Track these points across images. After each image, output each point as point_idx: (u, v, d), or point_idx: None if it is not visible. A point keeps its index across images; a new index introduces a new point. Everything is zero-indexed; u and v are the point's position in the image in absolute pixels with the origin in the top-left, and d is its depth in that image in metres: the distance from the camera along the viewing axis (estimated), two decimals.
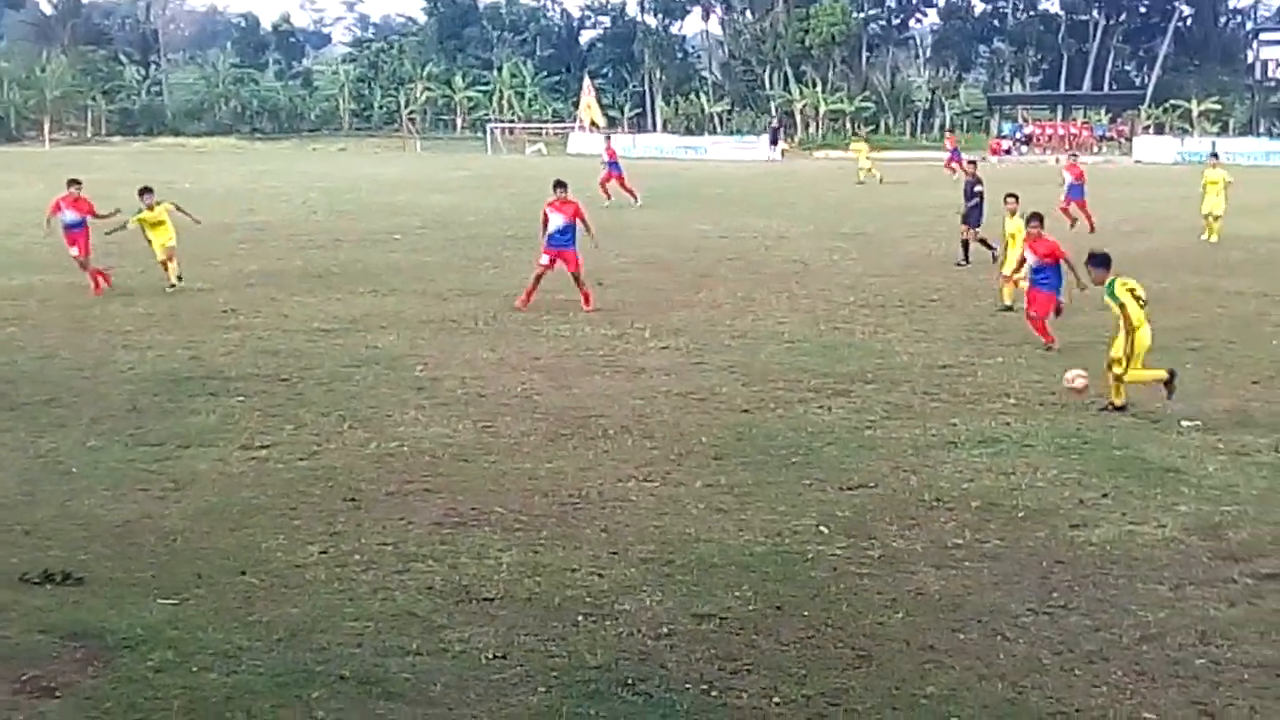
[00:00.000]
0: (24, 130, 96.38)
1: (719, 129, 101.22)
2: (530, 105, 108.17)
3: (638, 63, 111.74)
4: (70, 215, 22.46)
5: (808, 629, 8.29)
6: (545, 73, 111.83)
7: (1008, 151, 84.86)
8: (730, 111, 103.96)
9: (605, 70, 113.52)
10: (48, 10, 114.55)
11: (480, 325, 19.30)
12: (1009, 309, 20.24)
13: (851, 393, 14.95)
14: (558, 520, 10.46)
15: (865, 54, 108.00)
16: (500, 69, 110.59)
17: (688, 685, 7.51)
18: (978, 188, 26.91)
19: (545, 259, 20.64)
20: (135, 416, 13.74)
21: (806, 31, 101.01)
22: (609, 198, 41.00)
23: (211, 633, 8.11)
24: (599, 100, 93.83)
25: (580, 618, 8.44)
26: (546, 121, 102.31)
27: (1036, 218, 17.72)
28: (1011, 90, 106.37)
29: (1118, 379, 13.99)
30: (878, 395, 14.83)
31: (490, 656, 7.84)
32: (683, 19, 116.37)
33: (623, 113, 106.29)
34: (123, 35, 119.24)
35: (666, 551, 9.70)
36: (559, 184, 21.17)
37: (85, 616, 8.32)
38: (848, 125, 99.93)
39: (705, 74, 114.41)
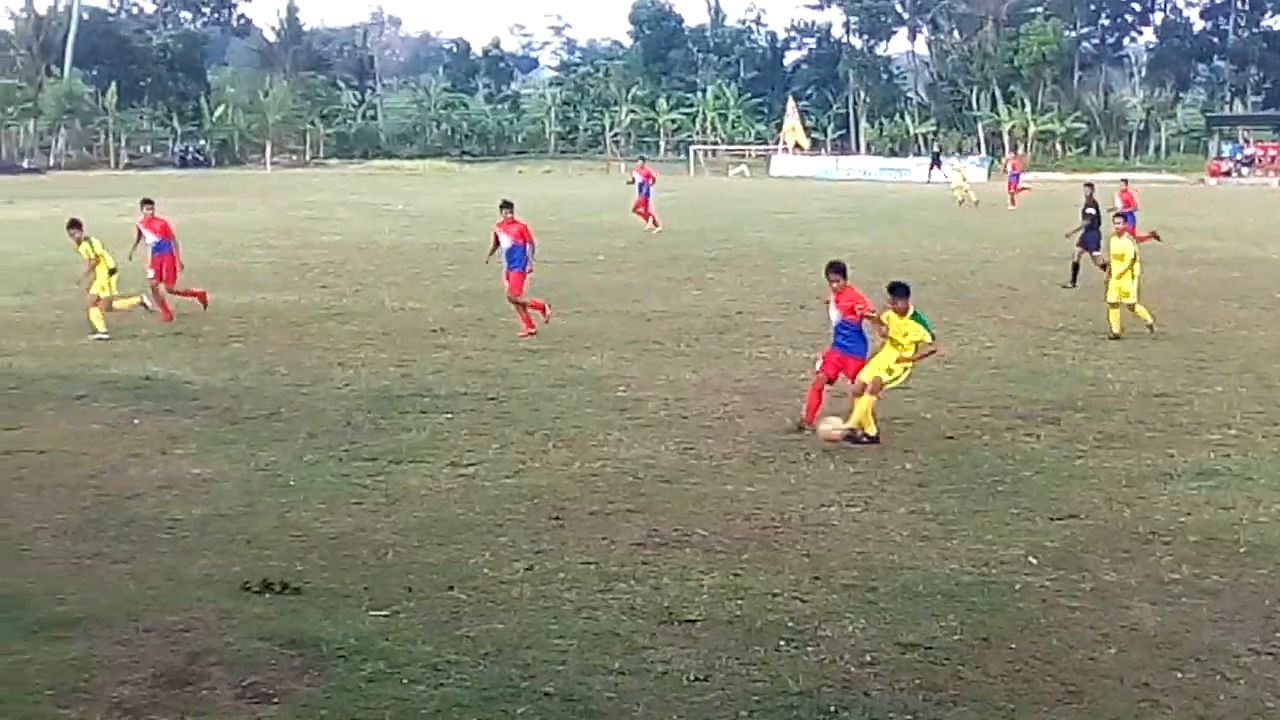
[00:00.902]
0: (247, 153, 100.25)
1: (924, 151, 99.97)
2: (733, 127, 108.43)
3: (842, 84, 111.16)
4: (150, 237, 21.95)
5: (1016, 662, 8.11)
6: (749, 95, 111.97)
7: (1227, 174, 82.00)
8: (936, 133, 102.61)
9: (809, 92, 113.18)
10: (271, 38, 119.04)
11: (683, 347, 19.40)
12: (1117, 337, 19.97)
13: (1061, 421, 14.60)
14: (759, 543, 10.45)
15: (1077, 73, 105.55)
16: (704, 91, 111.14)
17: (891, 715, 7.41)
18: (1089, 210, 26.68)
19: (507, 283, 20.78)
20: (350, 432, 14.16)
21: (1016, 51, 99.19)
22: (649, 222, 39.36)
23: (421, 645, 8.30)
24: (803, 122, 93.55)
25: (782, 642, 8.40)
26: (749, 143, 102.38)
27: (836, 269, 14.54)
28: (1232, 110, 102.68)
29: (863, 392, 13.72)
30: (1089, 424, 14.46)
31: (692, 678, 7.86)
32: (888, 40, 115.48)
33: (826, 134, 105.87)
34: (341, 61, 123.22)
35: (870, 578, 9.60)
36: (505, 204, 21.13)
37: (302, 625, 8.60)
38: (1058, 147, 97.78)
39: (910, 95, 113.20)
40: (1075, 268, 26.34)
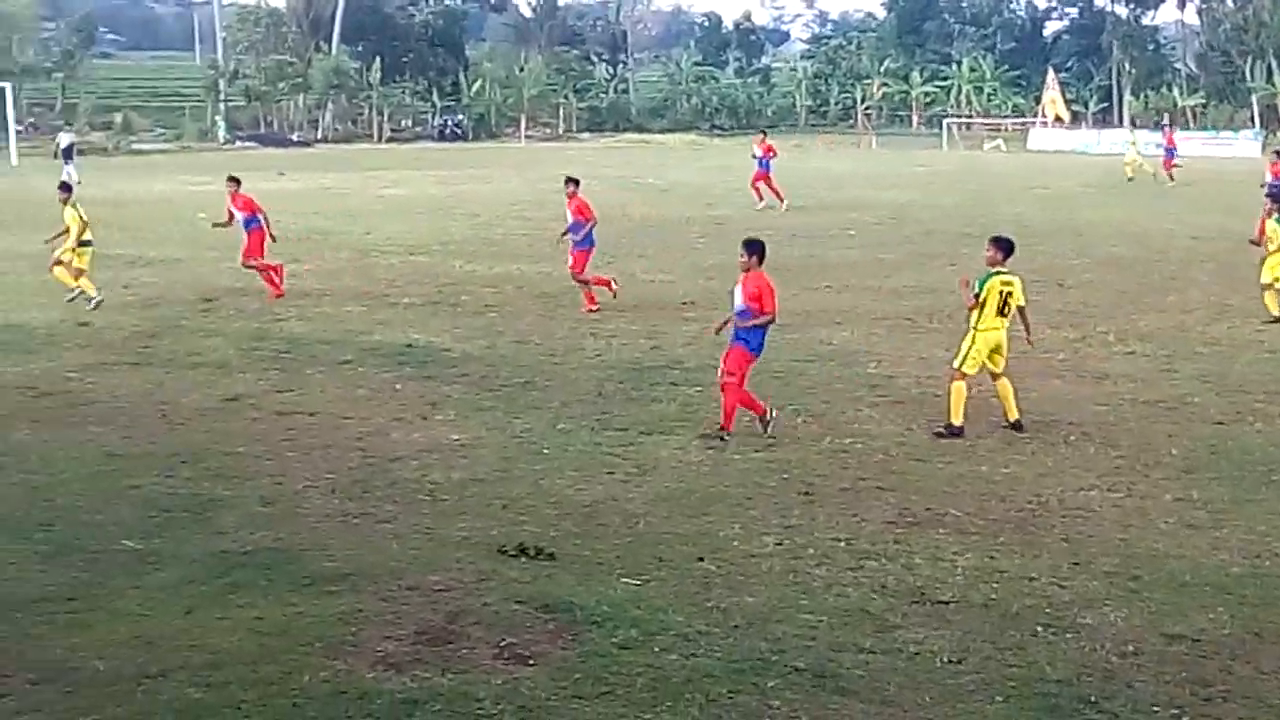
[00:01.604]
0: (502, 127, 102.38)
1: (1191, 124, 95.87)
2: (989, 100, 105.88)
3: (1105, 55, 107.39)
4: (239, 215, 21.98)
5: None
6: (1006, 67, 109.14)
7: None
8: (1205, 106, 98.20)
9: (1069, 64, 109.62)
10: (527, 13, 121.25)
11: (935, 323, 19.06)
12: (1278, 320, 19.02)
13: None
14: (1015, 526, 10.21)
15: None
16: (959, 63, 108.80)
17: (1156, 708, 7.15)
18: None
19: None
20: (601, 402, 14.37)
21: None
22: (760, 199, 38.39)
23: (672, 615, 8.37)
24: (1063, 94, 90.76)
25: (1039, 628, 8.20)
26: (1005, 117, 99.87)
27: (750, 247, 12.99)
28: None
29: (961, 375, 13.03)
30: None
31: (945, 660, 7.74)
32: (1155, 9, 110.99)
33: (1087, 107, 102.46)
34: (594, 36, 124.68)
35: (1132, 566, 9.28)
36: (569, 180, 21.12)
37: (556, 590, 8.77)
38: None
39: (1178, 66, 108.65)
40: None
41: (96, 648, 7.84)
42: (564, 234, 21.25)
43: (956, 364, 13.10)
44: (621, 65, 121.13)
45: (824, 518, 10.39)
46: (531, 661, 7.70)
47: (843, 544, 9.77)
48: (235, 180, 22.36)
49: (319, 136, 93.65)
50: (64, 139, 53.30)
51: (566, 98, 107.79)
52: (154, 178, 50.21)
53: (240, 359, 16.66)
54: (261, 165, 57.52)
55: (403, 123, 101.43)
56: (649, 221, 34.36)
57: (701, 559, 9.43)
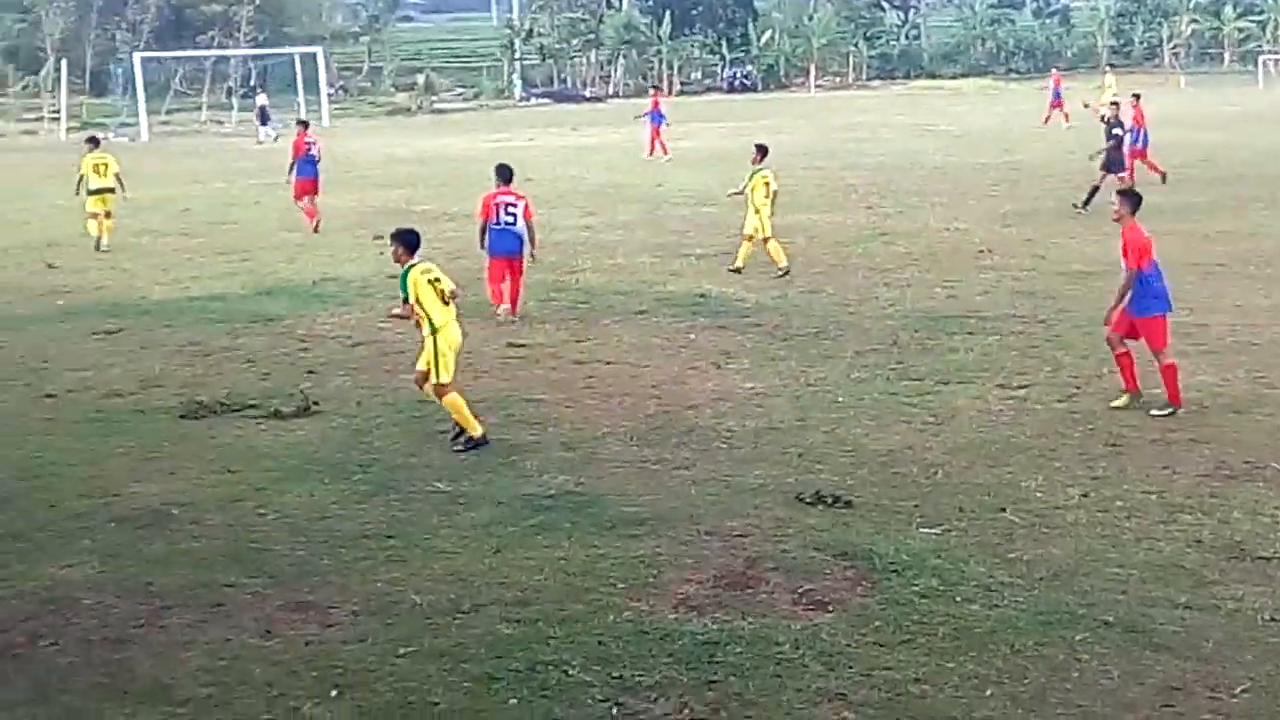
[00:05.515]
0: (792, 77, 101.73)
1: None
2: None
3: None
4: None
5: None
6: None
7: None
8: None
9: None
10: None
11: (1251, 269, 18.14)
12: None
13: None
14: None
15: None
16: None
17: None
18: (1115, 130, 24.30)
19: None
20: (896, 351, 14.20)
21: None
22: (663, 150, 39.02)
23: (973, 565, 8.24)
24: None
25: None
26: None
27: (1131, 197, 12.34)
28: None
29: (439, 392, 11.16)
30: None
31: (1267, 618, 7.40)
32: None
33: None
34: None
35: None
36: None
37: (853, 538, 8.73)
38: None
39: None
40: (1094, 190, 23.44)
41: (414, 582, 8.21)
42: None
43: (437, 380, 11.15)
44: (913, 10, 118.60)
45: (1133, 470, 10.04)
46: (830, 608, 7.70)
47: (1154, 497, 9.43)
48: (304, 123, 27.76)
49: (610, 92, 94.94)
50: (261, 100, 55.50)
51: (856, 45, 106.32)
52: (454, 135, 51.86)
53: (539, 310, 17.10)
54: (556, 121, 58.82)
55: (692, 75, 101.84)
56: (942, 169, 33.66)
57: (1003, 509, 9.25)
